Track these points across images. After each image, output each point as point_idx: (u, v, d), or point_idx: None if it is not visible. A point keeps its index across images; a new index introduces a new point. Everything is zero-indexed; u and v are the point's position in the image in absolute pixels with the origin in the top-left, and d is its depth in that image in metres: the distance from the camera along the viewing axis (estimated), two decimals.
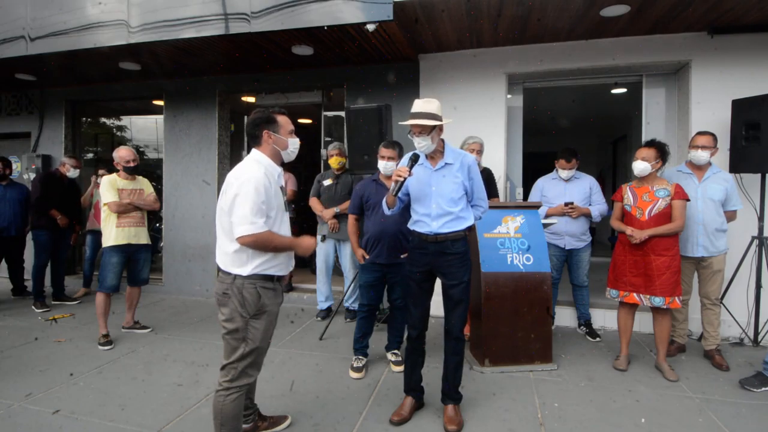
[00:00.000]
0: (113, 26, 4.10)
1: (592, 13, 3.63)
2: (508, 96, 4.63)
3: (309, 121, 7.59)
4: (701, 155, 3.30)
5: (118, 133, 6.84)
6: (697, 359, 3.46)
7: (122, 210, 3.75)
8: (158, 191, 4.30)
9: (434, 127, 2.36)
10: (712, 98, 3.94)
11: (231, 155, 5.66)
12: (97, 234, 5.19)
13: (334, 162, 4.35)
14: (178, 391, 2.89)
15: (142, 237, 3.92)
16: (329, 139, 5.40)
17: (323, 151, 5.29)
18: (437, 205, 2.43)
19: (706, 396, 2.86)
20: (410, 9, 3.57)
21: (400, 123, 2.50)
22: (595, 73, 4.47)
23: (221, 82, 5.31)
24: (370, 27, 3.58)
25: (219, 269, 2.06)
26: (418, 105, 2.41)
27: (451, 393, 2.55)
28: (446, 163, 2.45)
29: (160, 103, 5.63)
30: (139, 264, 3.97)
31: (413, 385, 2.62)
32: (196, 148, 5.40)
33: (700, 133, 3.38)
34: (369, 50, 4.34)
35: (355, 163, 4.12)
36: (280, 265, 2.08)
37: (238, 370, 1.99)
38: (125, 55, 4.58)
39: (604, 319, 4.19)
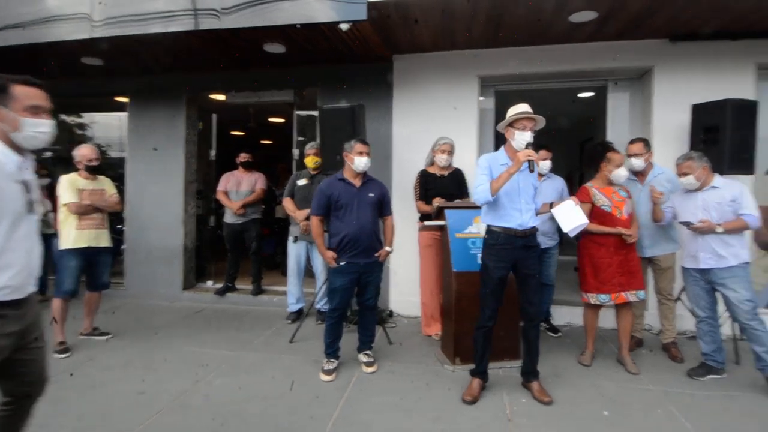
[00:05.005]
0: (75, 20, 3.92)
1: (562, 18, 3.71)
2: (481, 98, 4.69)
3: (281, 120, 7.49)
4: (634, 162, 3.48)
5: (78, 131, 6.56)
6: (657, 352, 3.60)
7: (82, 211, 3.59)
8: (120, 191, 4.14)
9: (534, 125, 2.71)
10: (673, 102, 4.09)
11: (199, 154, 5.51)
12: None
13: (311, 161, 4.29)
14: (140, 400, 2.77)
15: (103, 239, 3.75)
16: (302, 138, 5.33)
17: (295, 151, 5.22)
18: (526, 201, 2.75)
19: (665, 388, 2.97)
20: (384, 10, 3.56)
21: (517, 113, 2.72)
22: (565, 77, 4.59)
23: (189, 78, 5.16)
24: (344, 26, 3.55)
25: None
26: (525, 106, 2.74)
27: (536, 371, 2.87)
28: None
29: (124, 99, 5.42)
30: (100, 267, 3.79)
31: (483, 369, 2.88)
32: (162, 147, 5.22)
33: (632, 142, 3.54)
34: (343, 50, 4.31)
35: (328, 163, 4.08)
36: (9, 289, 1.57)
37: None
38: (87, 50, 4.38)
39: (571, 315, 4.30)
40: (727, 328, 3.32)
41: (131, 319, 4.49)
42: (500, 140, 4.98)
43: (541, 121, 2.72)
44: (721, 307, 3.07)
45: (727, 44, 3.99)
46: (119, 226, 5.47)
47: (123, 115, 5.48)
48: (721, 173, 3.23)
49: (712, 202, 3.00)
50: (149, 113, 5.26)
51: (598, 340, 3.58)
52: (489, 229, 2.83)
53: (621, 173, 3.20)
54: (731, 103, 3.48)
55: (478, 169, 2.80)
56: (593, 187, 3.29)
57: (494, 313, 2.81)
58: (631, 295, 3.19)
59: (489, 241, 2.82)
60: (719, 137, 3.52)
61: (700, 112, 3.75)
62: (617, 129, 4.56)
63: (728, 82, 3.95)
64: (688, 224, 3.03)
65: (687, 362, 3.34)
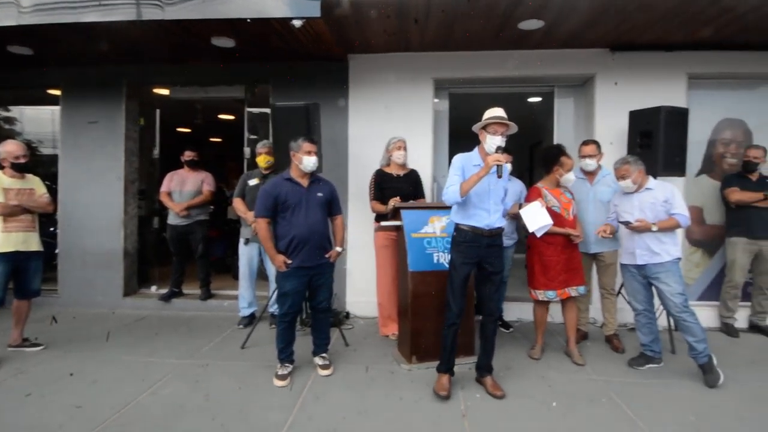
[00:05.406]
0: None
1: (511, 24, 3.83)
2: (435, 100, 4.75)
3: (231, 117, 7.23)
4: (589, 163, 3.68)
5: (6, 126, 6.03)
6: (601, 344, 3.80)
7: (9, 212, 3.30)
8: (53, 191, 3.82)
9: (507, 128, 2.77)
10: (613, 108, 4.33)
11: (140, 152, 5.20)
12: None
13: (262, 161, 4.14)
14: (78, 414, 2.57)
15: (33, 243, 3.47)
16: (254, 137, 5.17)
17: (246, 150, 5.05)
18: (494, 202, 2.82)
19: (607, 378, 3.14)
20: (339, 8, 3.51)
21: (489, 117, 2.76)
22: (515, 82, 4.74)
23: (129, 71, 4.86)
24: (297, 23, 3.46)
25: None
26: (500, 111, 2.78)
27: (490, 367, 2.95)
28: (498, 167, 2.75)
29: (57, 92, 5.02)
30: (29, 273, 3.49)
31: (452, 365, 2.93)
32: (100, 143, 4.87)
33: (585, 144, 3.74)
34: (296, 47, 4.20)
35: (281, 163, 3.97)
36: None
37: None
38: (14, 38, 4.02)
39: (521, 311, 4.45)
40: (663, 320, 3.55)
41: (66, 329, 4.16)
42: (454, 141, 5.11)
43: (513, 128, 2.78)
44: (656, 301, 3.28)
45: (662, 55, 4.29)
46: (52, 229, 5.06)
47: (56, 109, 5.08)
48: (655, 175, 3.46)
49: (647, 203, 3.21)
50: (85, 107, 4.89)
51: (547, 334, 3.73)
52: (457, 227, 2.88)
53: (571, 177, 3.37)
54: (665, 110, 3.73)
55: (452, 169, 2.85)
56: (544, 188, 3.42)
57: (461, 310, 2.86)
58: (572, 291, 3.36)
59: (457, 239, 2.87)
60: (654, 142, 3.76)
61: (636, 118, 3.99)
62: (563, 133, 4.78)
63: (662, 90, 4.24)
64: (626, 223, 3.22)
65: (628, 353, 3.55)
